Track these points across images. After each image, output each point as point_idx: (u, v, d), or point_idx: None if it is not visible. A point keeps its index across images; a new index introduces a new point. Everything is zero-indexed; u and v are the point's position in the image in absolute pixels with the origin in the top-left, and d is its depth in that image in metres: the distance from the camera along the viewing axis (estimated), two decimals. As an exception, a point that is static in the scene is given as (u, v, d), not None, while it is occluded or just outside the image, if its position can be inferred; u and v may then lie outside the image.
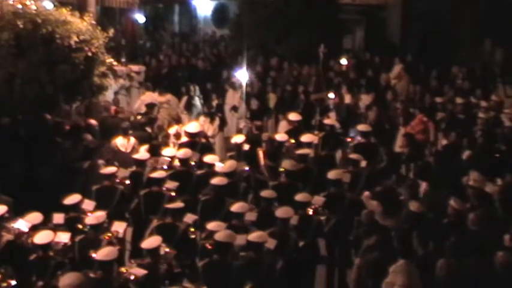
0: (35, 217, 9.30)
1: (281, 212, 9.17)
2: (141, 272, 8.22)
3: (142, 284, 7.99)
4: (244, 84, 12.41)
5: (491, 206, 9.62)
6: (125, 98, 17.16)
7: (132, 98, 17.51)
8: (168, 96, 16.92)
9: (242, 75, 12.02)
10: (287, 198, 9.78)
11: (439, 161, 11.98)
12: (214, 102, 17.20)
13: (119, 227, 9.49)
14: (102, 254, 7.98)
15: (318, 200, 10.00)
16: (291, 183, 10.90)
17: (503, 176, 10.69)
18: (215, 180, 10.46)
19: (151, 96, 16.59)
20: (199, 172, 11.50)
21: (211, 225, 8.85)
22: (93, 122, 13.75)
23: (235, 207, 9.38)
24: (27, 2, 12.51)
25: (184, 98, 18.09)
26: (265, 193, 10.02)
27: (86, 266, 8.18)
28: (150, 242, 8.44)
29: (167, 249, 8.56)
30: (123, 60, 14.79)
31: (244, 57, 13.76)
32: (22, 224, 9.34)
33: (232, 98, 17.80)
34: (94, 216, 9.28)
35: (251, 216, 9.30)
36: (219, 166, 11.62)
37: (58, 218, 9.44)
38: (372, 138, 12.72)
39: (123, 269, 8.43)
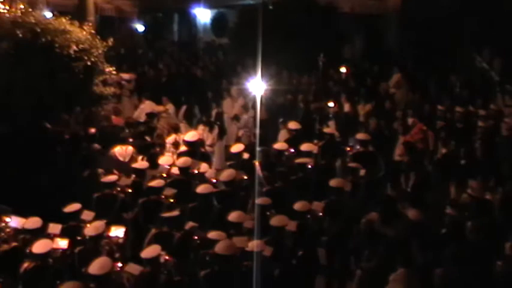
0: (34, 222, 9.34)
1: (275, 220, 9.14)
2: (137, 268, 8.21)
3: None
4: (258, 95, 12.37)
5: (490, 215, 9.60)
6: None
7: (123, 106, 17.43)
8: (167, 105, 16.94)
9: (256, 85, 11.95)
10: (282, 204, 9.78)
11: (438, 170, 11.98)
12: (214, 111, 17.20)
13: (118, 231, 9.49)
14: (96, 267, 7.93)
15: (318, 205, 10.00)
16: (285, 188, 10.91)
17: (503, 184, 10.69)
18: (200, 189, 10.48)
19: (150, 105, 16.60)
20: (195, 181, 11.51)
21: (211, 235, 8.84)
22: (92, 130, 13.75)
23: (233, 216, 9.37)
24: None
25: (184, 107, 18.10)
26: (260, 200, 10.01)
27: (85, 276, 8.15)
28: (149, 251, 8.43)
29: (167, 257, 8.55)
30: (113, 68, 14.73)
31: (259, 66, 13.67)
32: (16, 222, 9.42)
33: (231, 107, 17.81)
34: (93, 227, 9.26)
35: (249, 224, 9.29)
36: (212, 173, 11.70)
37: (54, 228, 9.44)
38: (371, 147, 12.71)
39: (118, 265, 8.44)
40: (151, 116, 15.13)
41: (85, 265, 8.25)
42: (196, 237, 9.16)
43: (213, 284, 8.15)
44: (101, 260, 8.14)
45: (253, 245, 8.41)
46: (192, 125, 17.03)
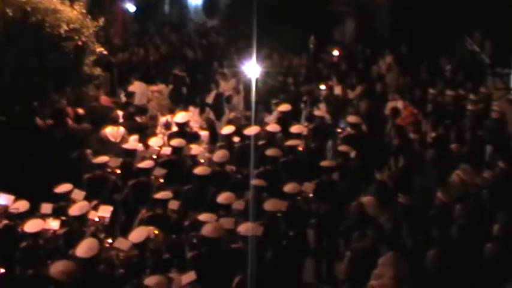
0: (22, 205, 9.34)
1: (269, 204, 9.14)
2: (126, 243, 8.19)
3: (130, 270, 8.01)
4: (254, 77, 12.32)
5: (479, 198, 9.65)
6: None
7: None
8: (160, 86, 16.89)
9: (247, 67, 11.89)
10: (272, 186, 9.81)
11: (429, 153, 12.01)
12: (213, 93, 17.10)
13: (105, 211, 9.48)
14: (83, 249, 7.90)
15: (308, 186, 10.01)
16: (275, 171, 10.92)
17: (491, 167, 10.73)
18: (198, 170, 10.48)
19: (140, 86, 16.52)
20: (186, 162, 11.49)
21: (201, 217, 8.83)
22: (80, 111, 13.67)
23: (222, 197, 9.37)
24: None
25: (173, 88, 18.01)
26: (255, 182, 10.01)
27: (73, 258, 8.13)
28: (137, 234, 8.39)
29: (156, 232, 8.54)
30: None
31: (254, 48, 13.59)
32: (5, 199, 9.42)
33: (223, 89, 17.74)
34: (77, 207, 9.23)
35: (239, 205, 9.30)
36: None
37: (46, 208, 9.43)
38: (361, 130, 12.73)
39: (108, 241, 8.42)
40: (130, 94, 15.13)
41: (72, 246, 8.24)
42: (187, 219, 9.17)
43: (200, 266, 8.15)
44: (88, 242, 8.11)
45: (246, 227, 8.40)
46: (177, 105, 16.88)
